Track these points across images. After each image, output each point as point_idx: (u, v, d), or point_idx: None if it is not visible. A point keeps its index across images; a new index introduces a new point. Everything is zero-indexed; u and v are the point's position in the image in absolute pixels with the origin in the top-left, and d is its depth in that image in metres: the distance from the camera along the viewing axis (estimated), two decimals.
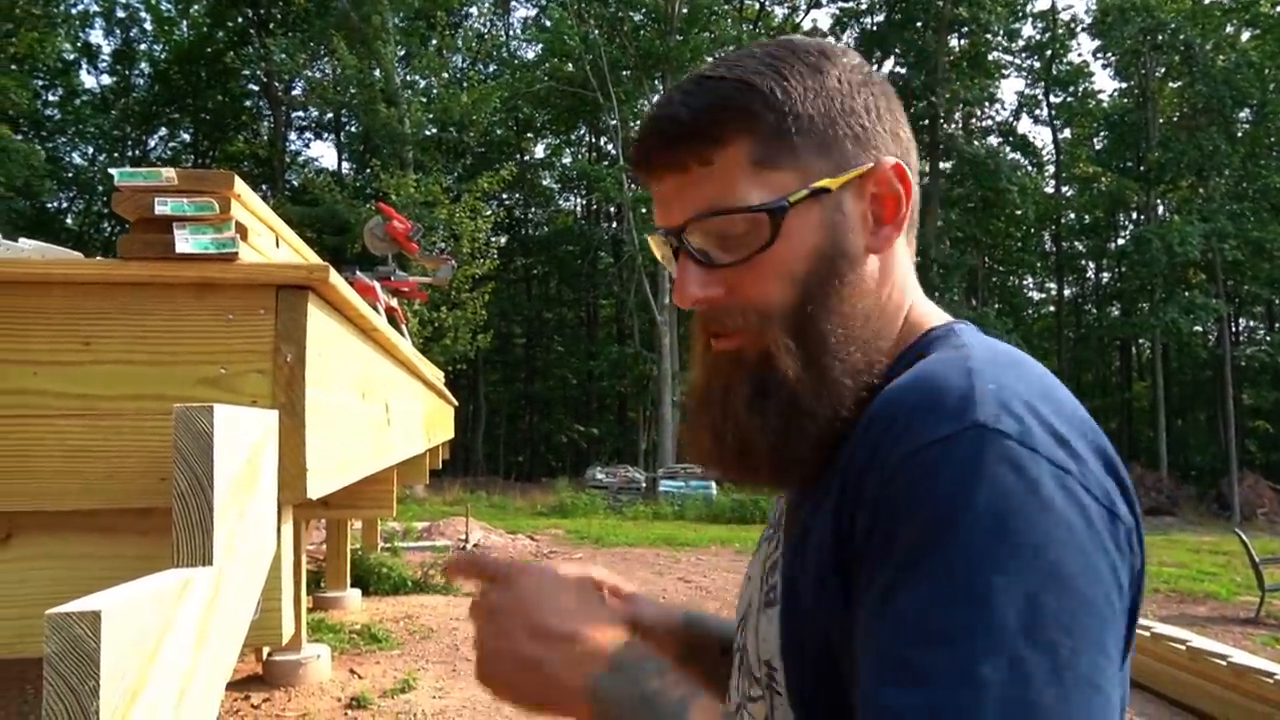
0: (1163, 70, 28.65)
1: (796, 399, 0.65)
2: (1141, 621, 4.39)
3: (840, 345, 0.66)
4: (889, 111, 0.71)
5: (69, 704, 0.77)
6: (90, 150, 30.35)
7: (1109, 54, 29.23)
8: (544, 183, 34.49)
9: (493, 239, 20.69)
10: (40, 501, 1.28)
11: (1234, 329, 30.80)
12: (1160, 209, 29.32)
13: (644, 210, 26.63)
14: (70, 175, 29.13)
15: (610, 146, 29.11)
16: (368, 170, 27.25)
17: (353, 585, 7.69)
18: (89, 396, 1.31)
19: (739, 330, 0.67)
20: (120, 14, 30.15)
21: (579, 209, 35.56)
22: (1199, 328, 26.70)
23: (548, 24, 26.85)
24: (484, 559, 0.77)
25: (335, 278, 1.44)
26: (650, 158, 0.69)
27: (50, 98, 28.72)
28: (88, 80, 31.66)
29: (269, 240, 1.71)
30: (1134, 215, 32.15)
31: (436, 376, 4.63)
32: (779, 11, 31.18)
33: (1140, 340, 31.06)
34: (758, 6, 30.62)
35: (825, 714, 0.61)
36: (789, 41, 0.71)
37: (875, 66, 0.70)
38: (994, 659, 0.48)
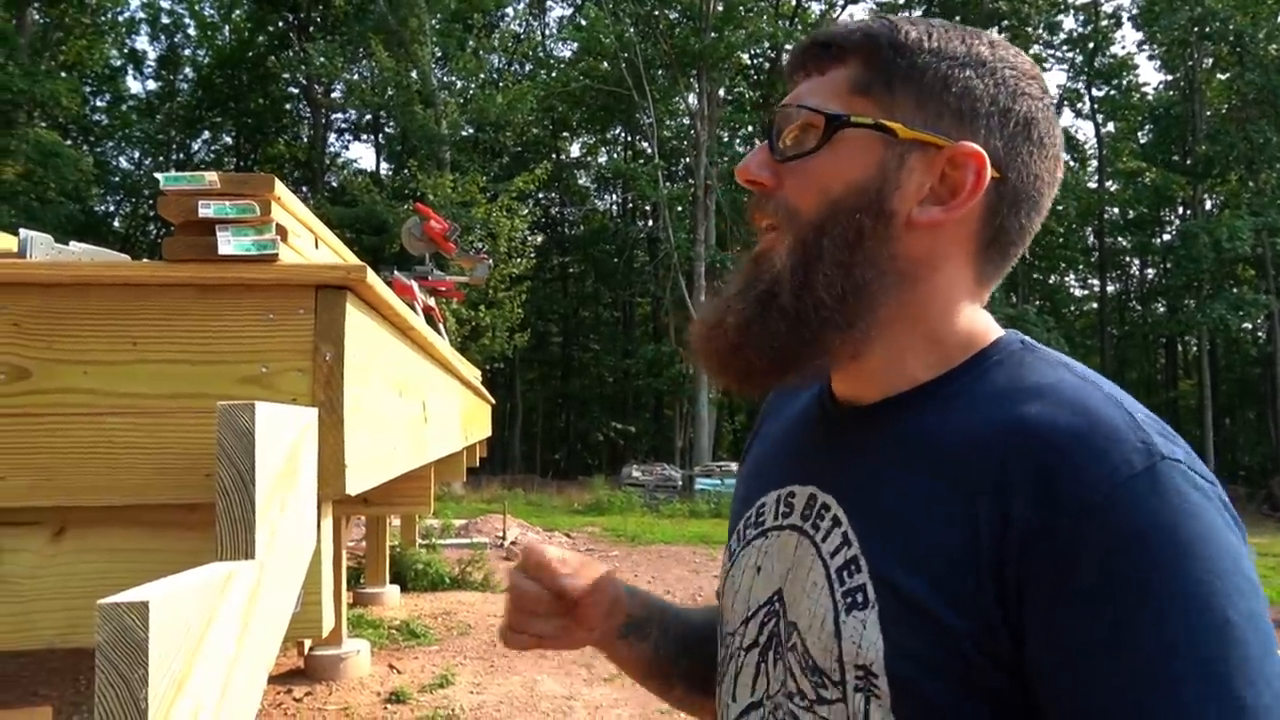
0: (1210, 61, 28.00)
1: (772, 295, 0.70)
2: None
3: (838, 279, 0.68)
4: (1024, 123, 0.70)
5: (119, 692, 0.79)
6: (136, 154, 31.02)
7: (1154, 45, 28.63)
8: (580, 182, 34.59)
9: (529, 238, 20.81)
10: (91, 497, 1.32)
11: None
12: (1208, 203, 28.68)
13: (679, 209, 26.62)
14: (117, 179, 29.77)
15: (646, 145, 29.12)
16: (405, 171, 27.52)
17: (391, 581, 7.78)
18: (136, 395, 1.35)
19: (774, 222, 0.72)
20: (165, 20, 30.78)
21: (615, 208, 35.62)
22: (1248, 324, 26.09)
23: (583, 23, 26.92)
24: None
25: (373, 278, 1.47)
26: (791, 61, 0.76)
27: (98, 103, 29.38)
28: (134, 86, 32.30)
29: (308, 241, 1.74)
30: (1180, 210, 31.47)
31: (474, 375, 4.68)
32: (815, 8, 30.98)
33: (1186, 337, 30.41)
34: (794, 2, 30.41)
35: (930, 712, 0.62)
36: (971, 27, 0.74)
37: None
38: (1256, 683, 0.53)
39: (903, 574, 0.64)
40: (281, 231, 1.41)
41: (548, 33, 33.46)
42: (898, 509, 0.66)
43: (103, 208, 29.98)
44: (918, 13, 29.67)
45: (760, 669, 0.75)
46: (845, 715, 0.66)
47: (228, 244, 1.35)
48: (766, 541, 0.78)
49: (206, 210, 1.36)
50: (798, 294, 0.68)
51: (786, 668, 0.71)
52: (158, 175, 1.35)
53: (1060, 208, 27.71)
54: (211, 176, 1.39)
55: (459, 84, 24.90)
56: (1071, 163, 30.39)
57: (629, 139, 33.80)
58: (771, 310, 0.69)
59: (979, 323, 0.73)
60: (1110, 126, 31.46)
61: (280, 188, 1.45)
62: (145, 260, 1.47)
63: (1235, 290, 25.36)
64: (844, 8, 30.88)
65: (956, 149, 0.68)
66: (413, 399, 2.26)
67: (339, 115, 32.13)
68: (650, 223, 31.63)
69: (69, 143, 24.67)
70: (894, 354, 0.71)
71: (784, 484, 0.79)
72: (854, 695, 0.65)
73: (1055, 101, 0.78)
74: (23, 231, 1.42)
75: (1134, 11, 28.50)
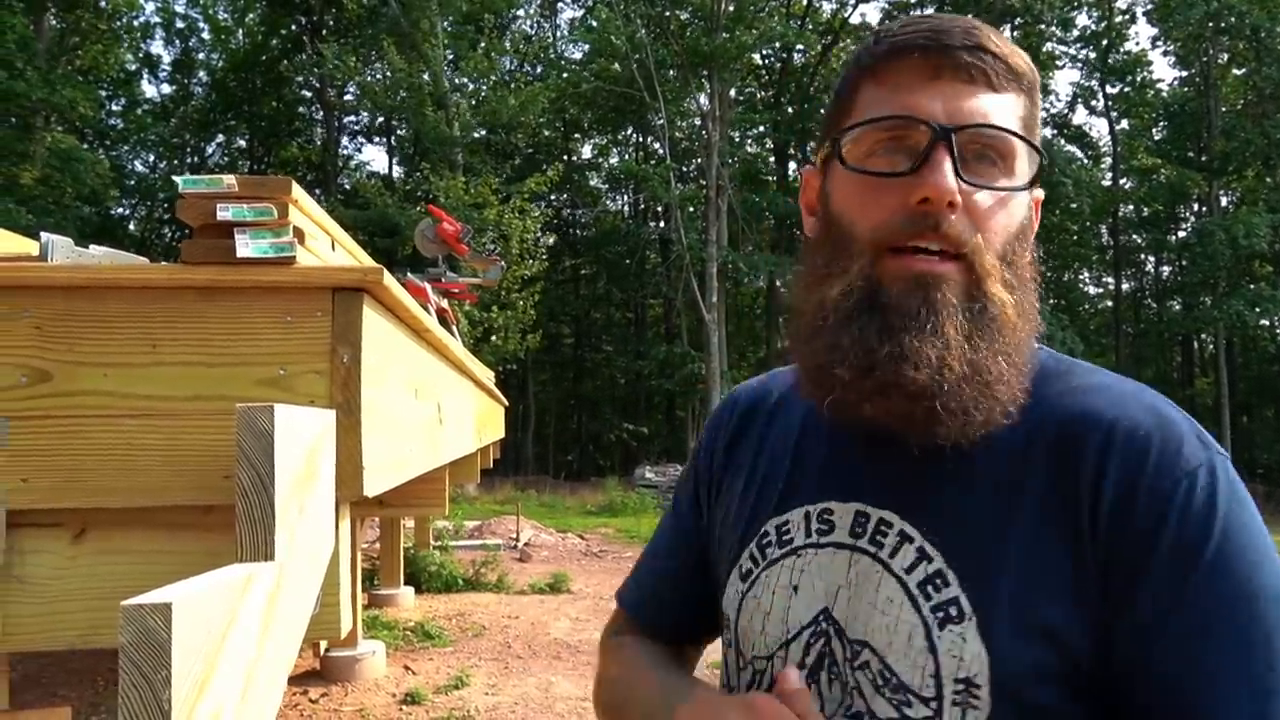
0: (1226, 56, 27.78)
1: (1006, 325, 0.69)
2: None
3: (1025, 307, 0.71)
4: None
5: (143, 693, 0.80)
6: (151, 158, 31.21)
7: (1169, 41, 28.42)
8: (591, 183, 34.61)
9: (541, 239, 20.82)
10: (111, 499, 1.33)
11: None
12: (1223, 200, 28.45)
13: (691, 209, 26.59)
14: (132, 183, 29.96)
15: (657, 146, 29.10)
16: (418, 173, 27.60)
17: (406, 583, 7.80)
18: (155, 397, 1.36)
19: (954, 247, 0.68)
20: (179, 24, 30.97)
21: (626, 209, 35.62)
22: (1266, 321, 25.85)
23: (594, 24, 26.93)
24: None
25: (389, 279, 1.47)
26: (946, 50, 0.70)
27: (113, 107, 29.57)
28: (149, 90, 32.49)
29: (325, 244, 1.75)
30: (1195, 207, 31.23)
31: (487, 376, 4.69)
32: (827, 7, 30.92)
33: (1203, 335, 30.16)
34: (805, 2, 30.34)
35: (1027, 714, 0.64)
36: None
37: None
38: None
39: (1004, 582, 0.64)
40: (299, 234, 1.41)
41: (559, 34, 33.52)
42: (981, 519, 0.67)
43: (118, 211, 30.19)
44: (930, 10, 29.58)
45: (811, 691, 0.72)
46: None
47: (246, 247, 1.35)
48: (800, 560, 0.75)
49: (225, 213, 1.37)
50: (1015, 327, 0.69)
51: (849, 688, 0.69)
52: (176, 178, 1.35)
53: (1074, 205, 27.59)
54: (229, 179, 1.40)
55: (471, 86, 24.96)
56: (1086, 160, 30.21)
57: (640, 140, 33.80)
58: (1009, 342, 0.69)
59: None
60: (1124, 124, 31.25)
61: (297, 190, 1.46)
62: (164, 263, 1.48)
63: (1252, 287, 25.13)
64: (855, 7, 30.82)
65: (1038, 198, 0.76)
66: (428, 401, 2.27)
67: (351, 118, 32.27)
68: (662, 224, 31.61)
69: (85, 147, 24.85)
70: None
71: (813, 501, 0.77)
72: (950, 709, 0.64)
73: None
74: (44, 235, 1.43)
75: (1148, 7, 28.29)
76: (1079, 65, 30.65)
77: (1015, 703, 0.63)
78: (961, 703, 0.64)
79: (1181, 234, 30.66)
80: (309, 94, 31.51)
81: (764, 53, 29.39)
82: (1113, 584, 0.63)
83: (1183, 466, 0.64)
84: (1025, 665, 0.63)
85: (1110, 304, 33.08)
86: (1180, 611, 0.62)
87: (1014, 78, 0.71)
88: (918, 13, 14.86)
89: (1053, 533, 0.65)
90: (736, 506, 0.84)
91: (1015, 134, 0.69)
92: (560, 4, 34.12)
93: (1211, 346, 29.43)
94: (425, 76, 22.65)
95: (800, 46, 28.40)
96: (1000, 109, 0.70)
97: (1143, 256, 33.12)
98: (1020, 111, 0.71)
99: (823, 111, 0.76)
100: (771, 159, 31.73)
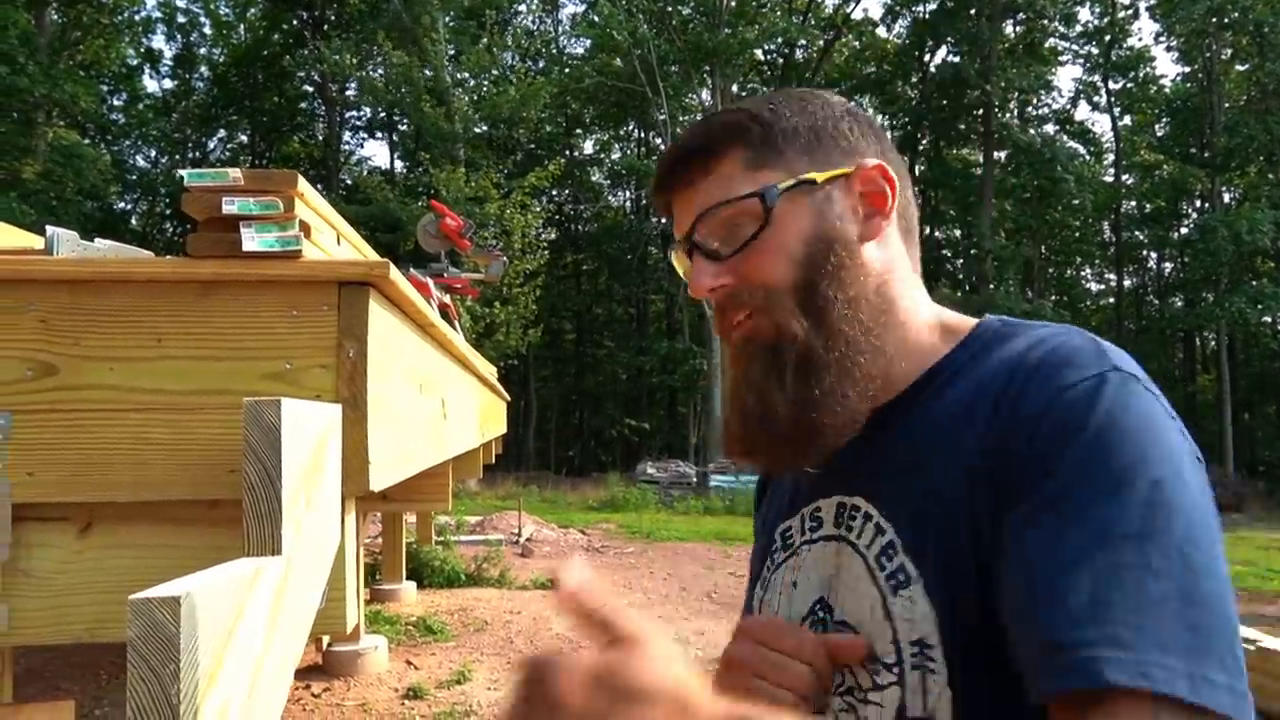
0: (1229, 52, 27.72)
1: (810, 358, 0.72)
2: None
3: (848, 311, 0.73)
4: (874, 136, 0.80)
5: (151, 687, 0.80)
6: (153, 153, 31.21)
7: (1172, 37, 28.37)
8: (593, 178, 34.58)
9: (542, 234, 20.80)
10: (116, 492, 1.33)
11: None
12: (1226, 196, 28.41)
13: None
14: (134, 178, 29.96)
15: (659, 141, 29.07)
16: (419, 168, 27.58)
17: (408, 578, 7.81)
18: (160, 391, 1.36)
19: (751, 309, 0.75)
20: (181, 19, 30.95)
21: (628, 204, 35.59)
22: (1268, 318, 25.83)
23: (596, 20, 26.89)
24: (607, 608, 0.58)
25: (395, 274, 1.47)
26: (664, 182, 0.80)
27: (115, 102, 29.56)
28: (150, 85, 32.41)
29: (330, 238, 1.74)
30: (1197, 203, 31.20)
31: (490, 372, 4.69)
32: (829, 2, 30.84)
33: (1205, 332, 30.15)
34: None
35: (985, 668, 0.63)
36: (780, 89, 0.84)
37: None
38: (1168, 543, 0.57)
39: (933, 539, 0.67)
40: (304, 228, 1.41)
41: (561, 29, 33.48)
42: (917, 483, 0.69)
43: (120, 206, 30.19)
44: (932, 5, 29.57)
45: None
46: (900, 696, 0.67)
47: (252, 240, 1.35)
48: (799, 558, 0.79)
49: (230, 207, 1.36)
50: (828, 344, 0.72)
51: (843, 667, 0.72)
52: (182, 172, 1.35)
53: (1076, 201, 27.57)
54: (235, 173, 1.40)
55: (472, 81, 24.93)
56: (1088, 156, 30.16)
57: (642, 135, 33.77)
58: (816, 372, 0.72)
59: (947, 313, 0.80)
60: (1127, 120, 31.22)
61: (303, 184, 1.45)
62: (169, 257, 1.48)
63: (1255, 284, 25.11)
64: (857, 2, 30.76)
65: (859, 171, 0.77)
66: (432, 396, 2.27)
67: (353, 113, 32.27)
68: (663, 220, 31.53)
69: (87, 142, 24.85)
70: (891, 360, 0.76)
71: (809, 502, 0.81)
72: (910, 674, 0.66)
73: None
74: (49, 229, 1.42)
75: (1151, 2, 28.24)
76: (1081, 61, 30.60)
77: (968, 662, 0.64)
78: (919, 665, 0.66)
79: (1184, 230, 30.62)
80: (310, 89, 31.50)
81: (766, 48, 29.33)
82: (997, 521, 0.62)
83: (1061, 383, 0.64)
84: (968, 619, 0.64)
85: (1112, 300, 33.08)
86: (1038, 525, 0.59)
87: (720, 147, 0.76)
88: (919, 9, 15.04)
89: (959, 488, 0.66)
90: (760, 526, 0.91)
91: (719, 204, 0.74)
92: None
93: (1213, 343, 29.41)
94: (426, 72, 22.62)
95: (802, 42, 28.37)
96: (715, 186, 0.75)
97: (1145, 253, 33.09)
98: (743, 160, 0.75)
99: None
100: None
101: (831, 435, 0.72)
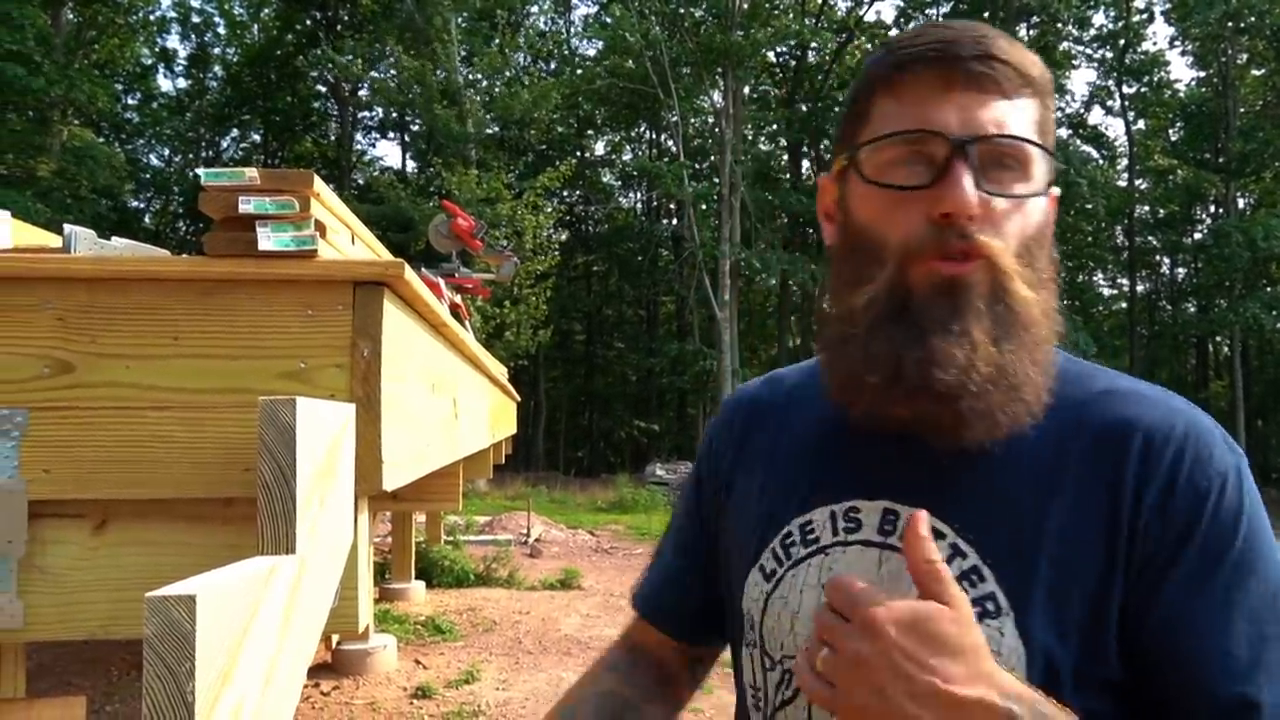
0: (1245, 56, 27.55)
1: (1030, 329, 0.70)
2: None
3: (1047, 305, 0.72)
4: None
5: (167, 685, 0.80)
6: (166, 152, 31.38)
7: (1187, 41, 28.20)
8: (604, 179, 34.61)
9: (553, 235, 20.82)
10: (132, 490, 1.34)
11: None
12: (1241, 202, 28.23)
13: (704, 206, 26.55)
14: (148, 176, 30.11)
15: (670, 143, 29.07)
16: (431, 168, 27.65)
17: (417, 577, 7.82)
18: (176, 390, 1.36)
19: (979, 255, 0.68)
20: (195, 19, 31.11)
21: (639, 205, 35.61)
22: None
23: (608, 21, 26.90)
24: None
25: (410, 274, 1.47)
26: (956, 61, 0.69)
27: (129, 101, 29.73)
28: (164, 84, 32.64)
29: (345, 238, 1.75)
30: (1212, 208, 31.00)
31: (500, 372, 4.69)
32: (842, 5, 30.79)
33: (1218, 338, 29.95)
34: (820, 0, 30.24)
35: (1097, 690, 0.66)
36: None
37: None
38: None
39: (1041, 580, 0.66)
40: (320, 228, 1.41)
41: (573, 31, 33.52)
42: (1015, 518, 0.68)
43: (134, 205, 30.35)
44: (945, 9, 29.47)
45: None
46: None
47: (268, 240, 1.35)
48: (828, 559, 0.75)
49: (247, 206, 1.37)
50: (1039, 326, 0.71)
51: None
52: (198, 171, 1.35)
53: (1089, 206, 27.42)
54: (251, 172, 1.40)
55: (484, 82, 24.98)
56: (1101, 160, 30.01)
57: (654, 137, 33.77)
58: (1031, 344, 0.70)
59: None
60: (1141, 124, 31.04)
61: (319, 184, 1.46)
62: (186, 256, 1.48)
63: (1269, 290, 24.94)
64: (870, 4, 30.71)
65: (1054, 195, 0.76)
66: (444, 396, 2.27)
67: (365, 113, 32.34)
68: (674, 221, 31.59)
69: (101, 140, 25.00)
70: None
71: (838, 500, 0.76)
72: None
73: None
74: (67, 227, 1.43)
75: (1166, 6, 28.07)
76: (1095, 65, 30.46)
77: (1054, 700, 0.63)
78: None
79: (1198, 236, 30.43)
80: (323, 89, 31.61)
81: (778, 50, 29.29)
82: (1144, 578, 0.66)
83: (1215, 468, 0.68)
84: (1063, 663, 0.64)
85: (1125, 305, 32.86)
86: (1203, 595, 0.65)
87: (1026, 82, 0.71)
88: (933, 12, 14.95)
89: (1089, 534, 0.66)
90: (754, 505, 0.83)
91: (1030, 141, 0.69)
92: (574, 1, 34.14)
93: (1227, 349, 29.23)
94: (439, 73, 22.68)
95: (815, 44, 28.31)
96: (1013, 116, 0.70)
97: (1158, 258, 32.89)
98: (1034, 116, 0.71)
99: (838, 114, 0.77)
100: (785, 157, 31.66)
101: (1012, 415, 0.68)
